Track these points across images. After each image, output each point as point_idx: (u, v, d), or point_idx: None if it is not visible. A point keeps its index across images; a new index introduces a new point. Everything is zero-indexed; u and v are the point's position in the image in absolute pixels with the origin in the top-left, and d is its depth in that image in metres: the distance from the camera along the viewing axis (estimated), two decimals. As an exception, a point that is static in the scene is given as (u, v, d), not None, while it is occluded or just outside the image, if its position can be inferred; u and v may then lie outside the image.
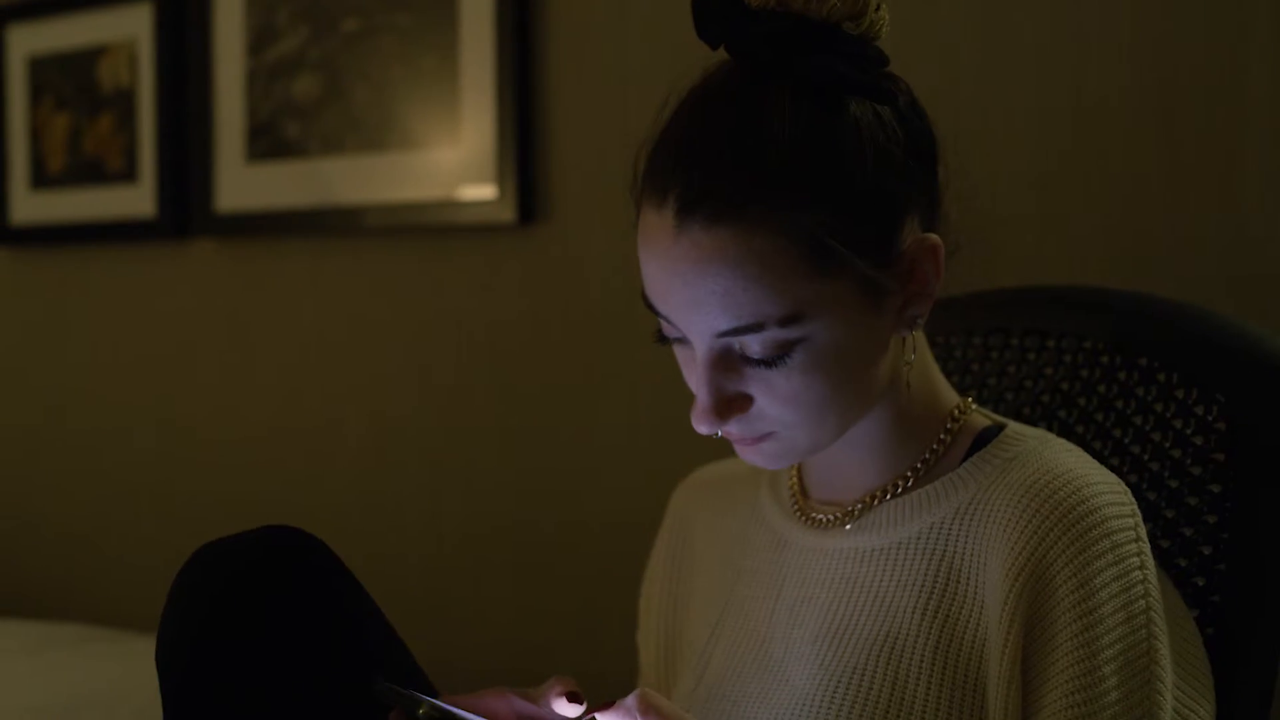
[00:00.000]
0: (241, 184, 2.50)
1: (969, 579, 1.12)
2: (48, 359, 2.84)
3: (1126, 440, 1.29)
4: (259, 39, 2.47)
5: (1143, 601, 1.07)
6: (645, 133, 1.13)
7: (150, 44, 2.60)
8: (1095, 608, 1.05)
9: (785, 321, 1.05)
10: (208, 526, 2.60)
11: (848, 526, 1.20)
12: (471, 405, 2.31)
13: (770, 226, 1.04)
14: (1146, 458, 1.27)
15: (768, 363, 1.08)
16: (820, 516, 1.23)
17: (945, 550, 1.14)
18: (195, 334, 2.62)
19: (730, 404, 1.10)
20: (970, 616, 1.11)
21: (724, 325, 1.07)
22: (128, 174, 2.64)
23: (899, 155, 1.09)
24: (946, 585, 1.13)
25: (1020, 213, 1.80)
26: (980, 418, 1.22)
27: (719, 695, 1.23)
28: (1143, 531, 1.09)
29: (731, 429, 1.12)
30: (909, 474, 1.19)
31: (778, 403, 1.10)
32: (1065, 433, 1.33)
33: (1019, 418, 1.36)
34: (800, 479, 1.28)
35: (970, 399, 1.22)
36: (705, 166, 1.06)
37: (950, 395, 1.22)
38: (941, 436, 1.19)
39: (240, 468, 2.57)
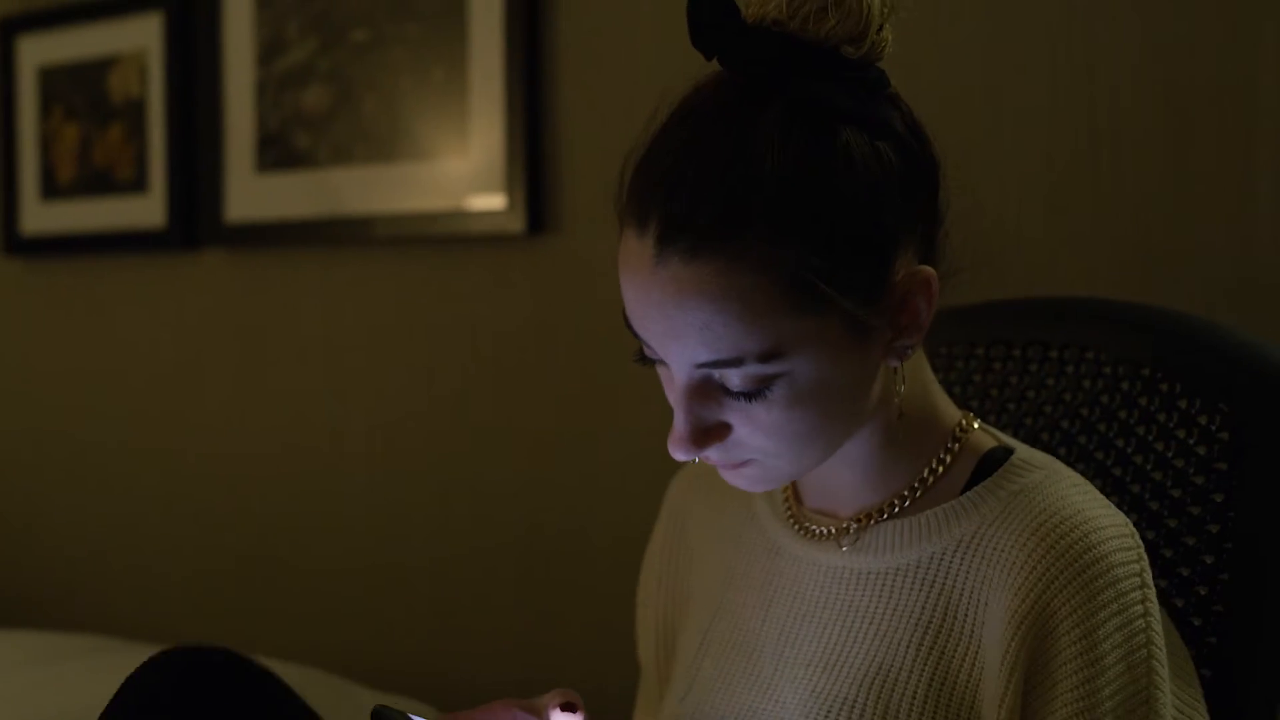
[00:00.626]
0: (251, 194, 2.51)
1: (967, 617, 1.09)
2: (58, 369, 2.85)
3: (1129, 450, 1.29)
4: (269, 50, 2.48)
5: (1144, 651, 1.05)
6: (635, 141, 1.10)
7: (160, 55, 2.61)
8: (1098, 659, 1.03)
9: (765, 357, 1.03)
10: (217, 536, 2.62)
11: (844, 547, 1.17)
12: (480, 415, 2.31)
13: (753, 262, 1.00)
14: (1149, 467, 1.27)
15: (747, 395, 1.05)
16: (815, 528, 1.20)
17: (944, 584, 1.11)
18: (205, 344, 2.62)
19: (708, 433, 1.08)
20: (966, 656, 1.09)
21: (702, 357, 1.04)
22: (138, 184, 2.65)
23: (894, 188, 1.05)
24: (943, 621, 1.10)
25: (1027, 223, 1.80)
26: (985, 437, 1.18)
27: (709, 705, 1.21)
28: (1148, 576, 1.07)
29: (711, 455, 1.10)
30: (906, 494, 1.16)
31: (758, 433, 1.07)
32: (1068, 443, 1.33)
33: (1021, 428, 1.36)
34: (795, 484, 1.25)
35: (974, 416, 1.19)
36: (688, 196, 1.02)
37: (951, 412, 1.19)
38: (941, 456, 1.16)
39: (250, 477, 2.58)
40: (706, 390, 1.07)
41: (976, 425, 1.18)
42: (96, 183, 2.72)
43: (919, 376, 1.16)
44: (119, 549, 2.76)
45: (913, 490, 1.16)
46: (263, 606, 2.57)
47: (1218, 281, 1.67)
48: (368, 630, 2.43)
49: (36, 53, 2.80)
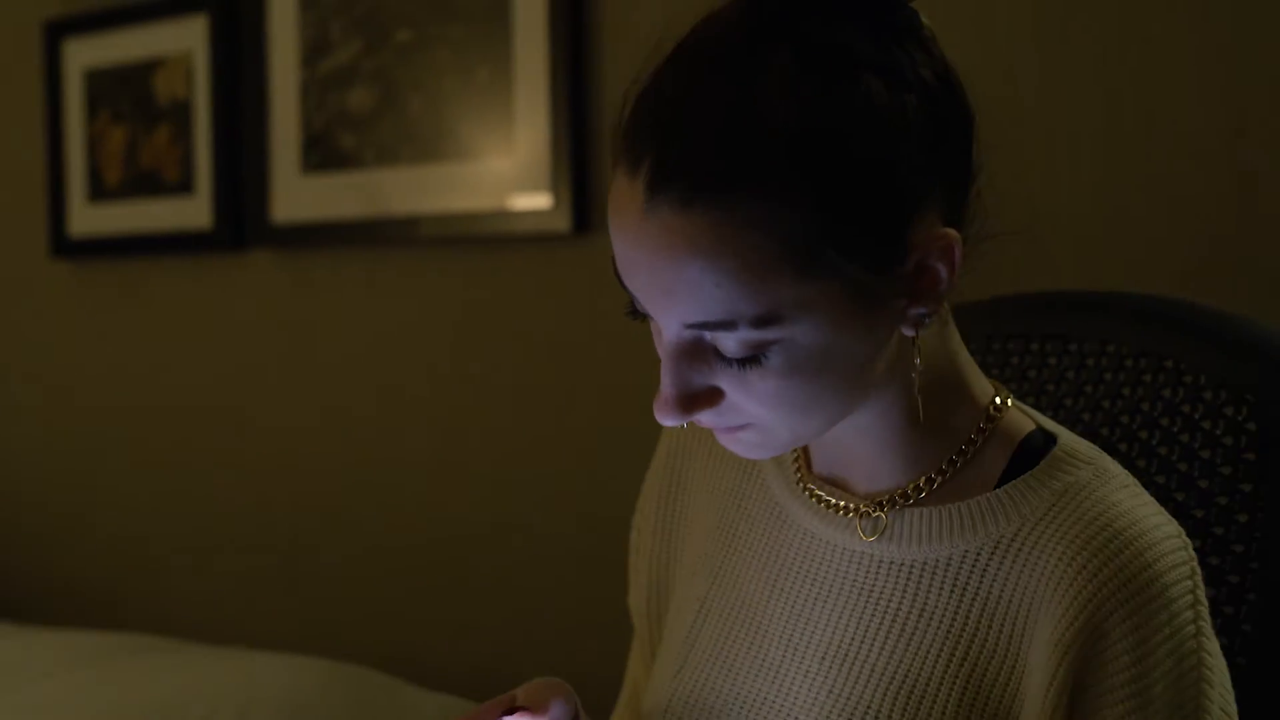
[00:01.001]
0: (297, 195, 2.52)
1: (1005, 630, 1.01)
2: (106, 370, 2.87)
3: (1154, 442, 1.28)
4: (313, 51, 2.49)
5: (1194, 674, 0.99)
6: (639, 71, 1.01)
7: (206, 56, 2.62)
8: (1148, 687, 0.96)
9: (760, 322, 0.93)
10: (264, 535, 2.63)
11: (872, 538, 1.07)
12: (528, 414, 2.32)
13: (752, 217, 0.91)
14: (1175, 459, 1.27)
15: (741, 361, 0.96)
16: (830, 500, 1.11)
17: (979, 588, 1.02)
18: (252, 344, 2.64)
19: (696, 398, 0.99)
20: (1001, 672, 1.01)
21: (692, 318, 0.95)
22: (184, 186, 2.67)
23: (916, 145, 0.94)
24: (976, 630, 1.02)
25: (1079, 217, 1.79)
26: (1022, 418, 1.08)
27: (707, 684, 1.14)
28: (1201, 591, 1.00)
29: (703, 418, 1.01)
30: (934, 476, 1.06)
31: (753, 401, 0.98)
32: (1091, 436, 1.29)
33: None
34: (804, 447, 1.15)
35: (1009, 393, 1.10)
36: (685, 140, 0.92)
37: (983, 386, 1.08)
38: (972, 437, 1.06)
39: (297, 477, 2.59)
40: (697, 352, 0.98)
41: (1011, 403, 1.09)
42: (143, 184, 2.74)
43: (945, 346, 1.06)
44: (167, 548, 2.78)
45: (941, 472, 1.06)
46: (312, 605, 2.58)
47: (1275, 283, 1.66)
48: (421, 629, 2.44)
49: (82, 55, 2.82)
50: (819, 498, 1.11)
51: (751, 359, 0.95)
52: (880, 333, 0.98)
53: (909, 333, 1.00)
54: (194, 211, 2.65)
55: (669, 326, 0.97)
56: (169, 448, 2.77)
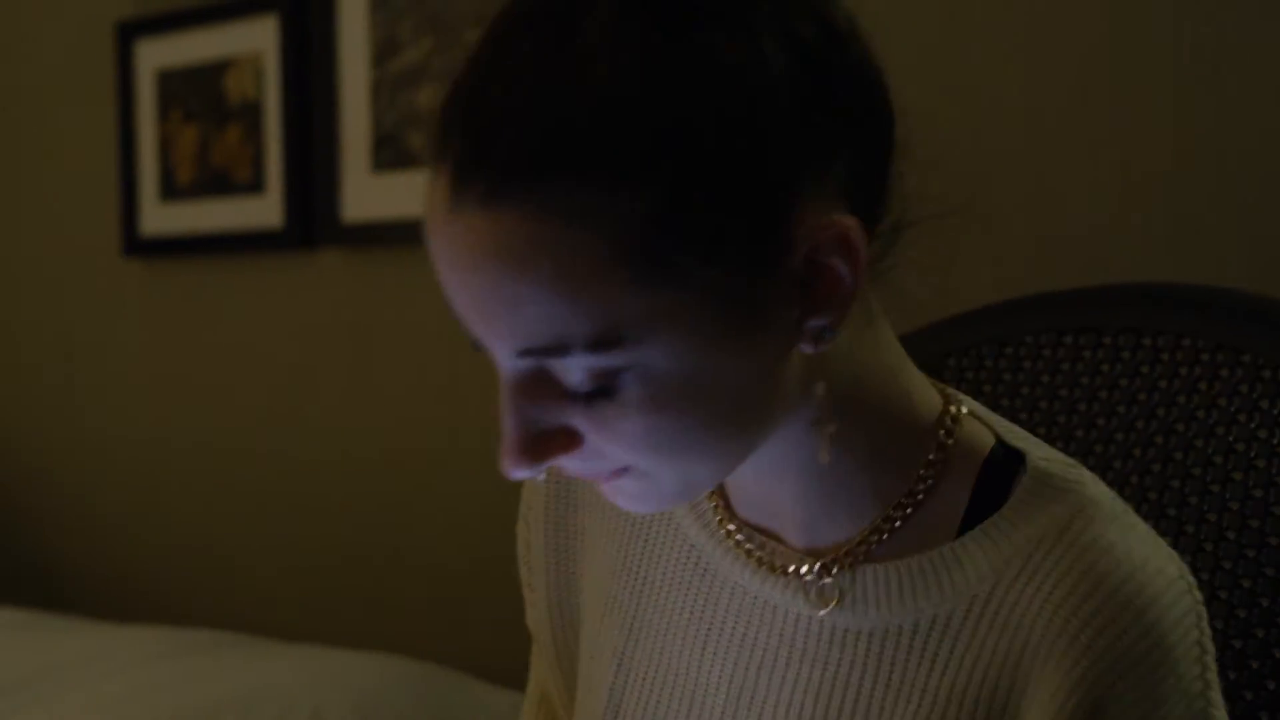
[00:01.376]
0: (367, 194, 2.52)
1: (982, 706, 0.85)
2: (177, 368, 2.89)
3: (1231, 438, 1.27)
4: (383, 50, 2.49)
5: None
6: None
7: (276, 57, 2.63)
8: None
9: (597, 345, 0.75)
10: (334, 533, 2.65)
11: (821, 611, 0.90)
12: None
13: (571, 212, 0.73)
14: (1253, 454, 1.24)
15: (589, 396, 0.78)
16: (759, 554, 0.93)
17: (949, 657, 0.86)
18: (322, 343, 2.65)
19: (547, 441, 0.80)
20: None
21: (517, 343, 0.77)
22: (255, 185, 2.68)
23: (789, 112, 0.76)
24: (948, 706, 0.86)
25: (1132, 209, 1.78)
26: (981, 431, 0.91)
27: None
28: (1207, 637, 0.86)
29: (567, 464, 0.82)
30: (884, 524, 0.89)
31: (615, 444, 0.80)
32: (1165, 431, 1.29)
33: (1114, 415, 1.31)
34: (720, 485, 0.97)
35: (960, 398, 0.92)
36: (489, 124, 0.75)
37: (929, 399, 0.90)
38: (921, 472, 0.89)
39: (366, 474, 2.60)
40: (540, 386, 0.79)
41: (965, 411, 0.91)
42: (214, 184, 2.75)
43: (875, 357, 0.88)
44: (234, 546, 2.80)
45: (890, 519, 0.89)
46: (380, 603, 2.59)
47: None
48: (486, 626, 2.45)
49: (154, 56, 2.84)
50: (748, 551, 0.94)
51: (600, 391, 0.78)
52: (768, 351, 0.80)
53: (808, 349, 0.81)
54: (264, 211, 2.66)
55: (499, 356, 0.80)
56: (238, 446, 2.79)
